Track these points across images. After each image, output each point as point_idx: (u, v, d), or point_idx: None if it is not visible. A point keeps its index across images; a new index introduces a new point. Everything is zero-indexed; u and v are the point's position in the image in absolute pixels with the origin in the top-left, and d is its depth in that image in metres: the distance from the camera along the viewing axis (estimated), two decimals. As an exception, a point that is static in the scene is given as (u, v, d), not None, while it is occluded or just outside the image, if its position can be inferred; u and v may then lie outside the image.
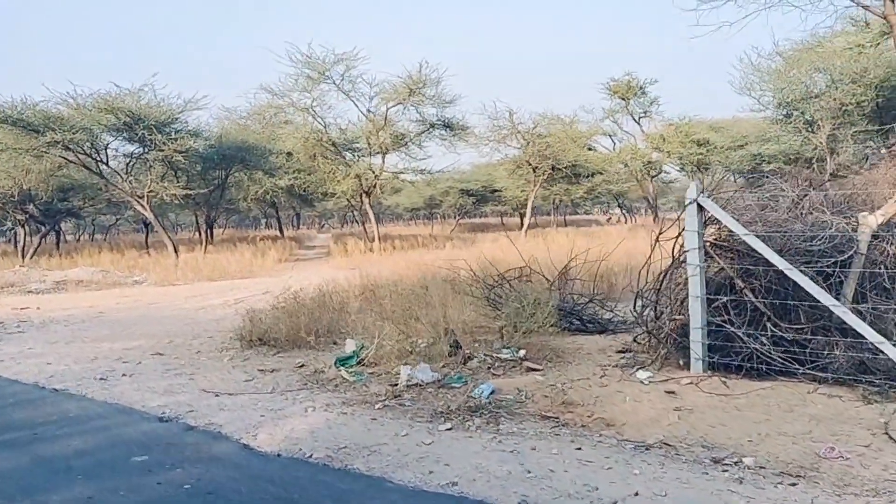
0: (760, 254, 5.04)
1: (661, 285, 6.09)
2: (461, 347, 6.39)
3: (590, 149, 28.44)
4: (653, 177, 31.05)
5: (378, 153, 27.86)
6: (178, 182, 24.78)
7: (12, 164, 23.08)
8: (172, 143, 22.87)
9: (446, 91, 25.17)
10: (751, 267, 5.24)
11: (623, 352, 6.35)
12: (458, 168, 32.18)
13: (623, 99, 29.98)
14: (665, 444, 4.08)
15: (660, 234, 5.91)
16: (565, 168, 25.50)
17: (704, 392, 4.88)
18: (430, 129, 26.84)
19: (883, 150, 27.79)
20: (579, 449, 4.06)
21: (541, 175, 25.69)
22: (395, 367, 6.27)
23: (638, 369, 5.62)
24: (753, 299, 5.20)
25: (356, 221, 75.85)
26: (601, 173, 28.29)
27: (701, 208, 5.34)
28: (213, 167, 28.06)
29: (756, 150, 32.78)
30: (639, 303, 6.36)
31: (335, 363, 6.47)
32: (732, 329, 5.19)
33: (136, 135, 22.82)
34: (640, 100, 30.10)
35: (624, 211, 58.31)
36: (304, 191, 34.98)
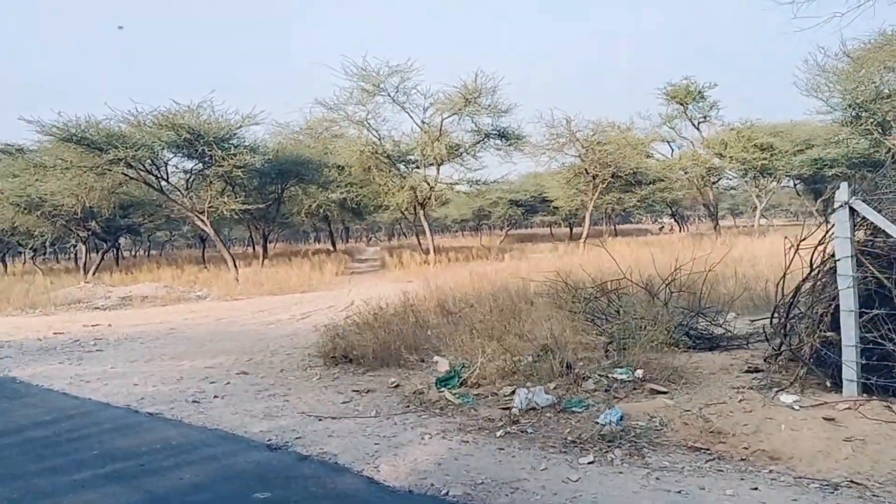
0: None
1: (795, 298, 5.58)
2: (572, 367, 5.96)
3: (648, 156, 27.74)
4: (713, 183, 30.14)
5: (432, 164, 27.62)
6: (236, 197, 24.89)
7: (76, 181, 23.48)
8: (231, 158, 22.99)
9: (502, 100, 24.81)
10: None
11: (752, 371, 5.82)
12: (506, 178, 31.60)
13: (681, 104, 29.16)
14: (853, 482, 3.58)
15: (801, 241, 5.39)
16: (626, 175, 24.86)
17: (870, 419, 4.36)
18: (485, 140, 26.48)
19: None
20: (755, 489, 3.59)
21: (600, 183, 25.08)
22: (500, 387, 5.89)
23: (778, 392, 5.10)
24: (916, 314, 4.65)
25: (404, 234, 76.24)
26: (662, 180, 27.52)
27: (853, 212, 4.82)
28: (270, 182, 28.20)
29: (817, 155, 31.58)
30: (775, 317, 5.83)
31: (436, 384, 6.10)
32: (893, 346, 4.65)
33: (196, 151, 22.99)
34: (698, 104, 29.25)
35: (676, 219, 56.90)
36: (357, 204, 34.95)
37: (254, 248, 39.82)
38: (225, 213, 24.12)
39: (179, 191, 24.81)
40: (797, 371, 5.32)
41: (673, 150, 29.72)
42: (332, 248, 40.17)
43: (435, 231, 75.97)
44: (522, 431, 4.81)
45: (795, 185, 40.27)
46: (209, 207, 23.92)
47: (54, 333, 12.21)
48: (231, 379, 7.39)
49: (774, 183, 35.39)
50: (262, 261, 28.93)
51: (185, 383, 7.20)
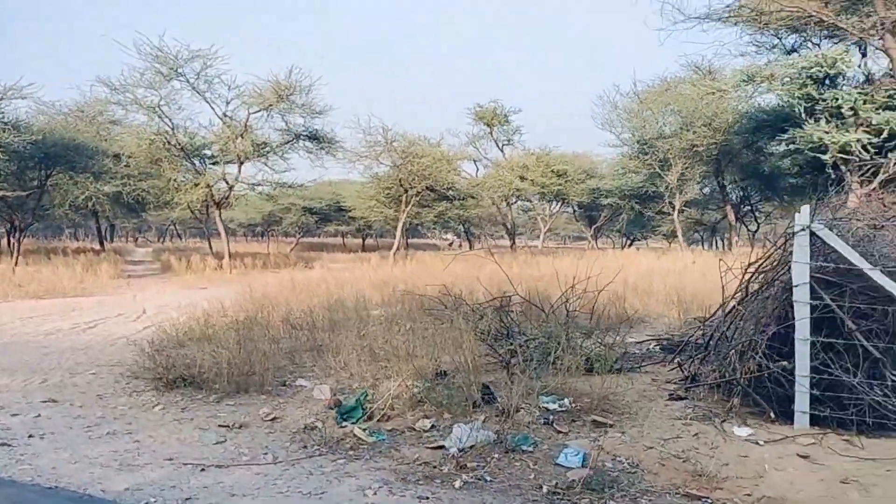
0: (878, 291, 4.45)
1: (721, 321, 5.39)
2: (493, 395, 5.23)
3: (457, 173, 28.10)
4: (511, 205, 31.41)
5: (232, 162, 25.48)
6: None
7: None
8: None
9: (317, 100, 23.58)
10: (866, 305, 4.64)
11: (675, 399, 5.53)
12: (315, 182, 30.16)
13: (488, 125, 30.08)
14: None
15: (752, 265, 5.19)
16: (439, 190, 24.85)
17: (843, 455, 4.17)
18: (295, 140, 24.98)
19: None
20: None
21: (413, 196, 24.79)
22: (414, 420, 4.99)
23: (722, 422, 4.82)
24: (865, 343, 4.59)
25: (178, 235, 70.55)
26: (473, 197, 28.02)
27: (813, 236, 4.67)
28: (32, 167, 24.15)
29: (595, 185, 34.29)
30: (696, 343, 5.58)
31: (338, 417, 5.02)
32: (846, 377, 4.54)
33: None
34: (504, 127, 30.39)
35: (467, 236, 58.97)
36: (135, 199, 31.26)
37: (9, 244, 33.82)
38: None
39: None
40: (731, 400, 5.09)
41: (478, 170, 30.56)
42: (100, 247, 35.60)
43: (215, 234, 71.59)
44: (480, 479, 3.98)
45: (574, 211, 43.58)
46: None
47: None
48: (38, 409, 5.64)
49: (557, 207, 37.97)
50: (16, 258, 24.58)
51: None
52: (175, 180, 26.24)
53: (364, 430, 4.80)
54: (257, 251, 39.21)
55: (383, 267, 21.87)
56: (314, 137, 24.66)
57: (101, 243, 36.99)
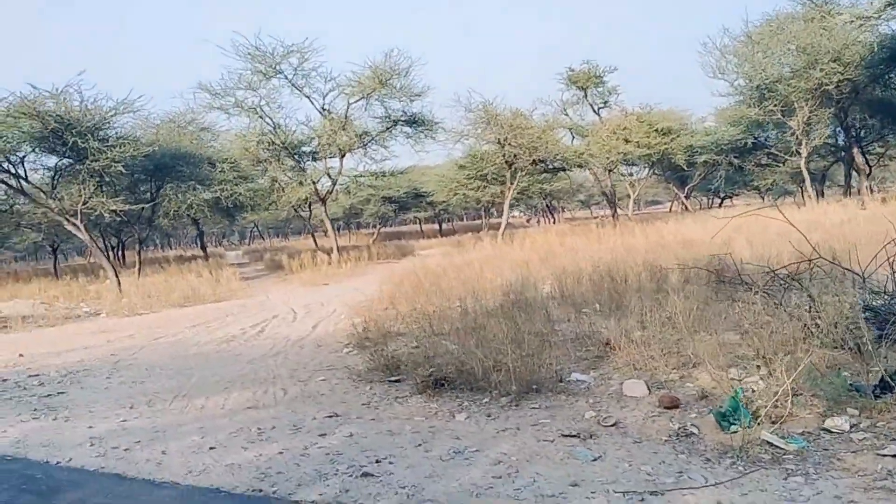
0: None
1: None
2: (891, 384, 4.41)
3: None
4: (611, 171, 30.26)
5: (334, 156, 25.28)
6: (111, 196, 21.13)
7: None
8: (111, 150, 19.43)
9: (415, 82, 23.04)
10: None
11: None
12: (415, 167, 29.72)
13: (582, 89, 28.98)
14: None
15: None
16: (550, 161, 24.03)
17: None
18: (394, 126, 24.54)
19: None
20: None
21: (517, 171, 24.05)
22: (815, 420, 4.26)
23: None
24: None
25: (261, 236, 71.73)
26: (581, 166, 27.09)
27: None
28: (145, 179, 24.48)
29: (688, 142, 32.62)
30: None
31: (721, 422, 4.32)
32: None
33: (65, 143, 19.16)
34: (598, 89, 29.21)
35: (549, 210, 57.96)
36: (233, 203, 31.52)
37: (109, 258, 34.79)
38: (105, 214, 20.37)
39: (42, 191, 20.66)
40: None
41: (573, 137, 29.45)
42: (203, 254, 36.22)
43: (303, 231, 72.38)
44: None
45: (663, 172, 41.83)
46: (83, 208, 20.07)
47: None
48: (332, 427, 5.19)
49: (649, 170, 36.47)
50: (139, 270, 25.06)
51: (290, 442, 4.89)
52: (279, 180, 26.31)
53: (777, 435, 4.10)
54: (345, 245, 39.26)
55: (504, 247, 21.19)
56: (413, 121, 24.15)
57: (204, 249, 37.66)
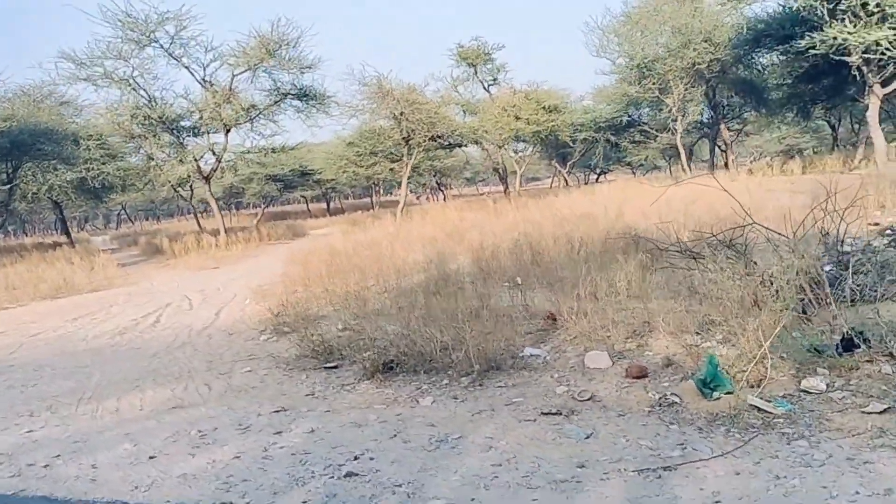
0: None
1: None
2: (855, 342, 4.51)
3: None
4: (501, 147, 30.51)
5: (217, 131, 23.85)
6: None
7: None
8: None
9: (305, 54, 22.06)
10: None
11: None
12: (307, 142, 28.56)
13: (472, 66, 28.93)
14: None
15: None
16: (445, 138, 23.76)
17: None
18: (283, 100, 23.43)
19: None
20: None
21: (415, 147, 23.68)
22: (790, 381, 4.28)
23: None
24: None
25: (130, 220, 67.17)
26: (477, 143, 27.03)
27: None
28: (0, 159, 22.13)
29: (570, 120, 33.55)
30: None
31: (703, 389, 4.24)
32: None
33: None
34: (487, 66, 29.27)
35: (430, 188, 58.02)
36: (100, 184, 29.16)
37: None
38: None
39: None
40: None
41: (464, 114, 29.41)
42: (68, 240, 33.28)
43: (183, 213, 68.41)
44: None
45: (547, 150, 42.87)
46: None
47: None
48: (284, 423, 4.73)
49: (531, 148, 37.23)
50: (-6, 259, 22.66)
51: (242, 443, 4.36)
52: (155, 157, 24.53)
53: (762, 399, 4.05)
54: (229, 226, 37.63)
55: (405, 224, 20.85)
56: (304, 95, 23.16)
57: (68, 235, 34.61)
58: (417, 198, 59.29)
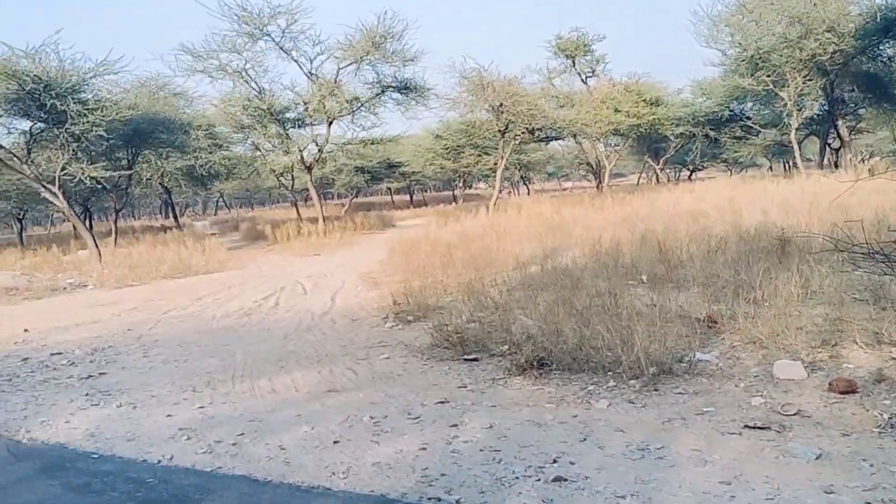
0: None
1: None
2: None
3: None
4: (597, 141, 29.88)
5: (321, 122, 24.33)
6: (89, 163, 19.88)
7: None
8: (91, 114, 18.25)
9: (408, 47, 22.14)
10: None
11: None
12: (409, 133, 28.88)
13: (570, 57, 28.42)
14: None
15: None
16: (544, 130, 23.45)
17: None
18: (383, 93, 23.65)
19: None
20: None
21: (511, 139, 23.46)
22: None
23: None
24: None
25: (227, 206, 69.66)
26: (575, 136, 26.60)
27: None
28: (122, 146, 23.20)
29: (664, 114, 32.38)
30: None
31: None
32: None
33: (43, 105, 17.89)
34: (586, 58, 28.67)
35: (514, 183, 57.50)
36: (207, 172, 30.29)
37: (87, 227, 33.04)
38: (85, 181, 19.19)
39: (16, 156, 19.34)
40: None
41: (562, 106, 28.89)
42: (175, 224, 34.81)
43: (274, 200, 70.57)
44: None
45: (639, 145, 41.67)
46: (62, 175, 18.85)
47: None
48: (457, 413, 4.66)
49: (625, 142, 36.25)
50: (115, 240, 23.89)
51: (421, 434, 4.29)
52: (262, 147, 25.29)
53: None
54: (314, 215, 38.36)
55: (498, 218, 20.65)
56: (405, 87, 23.30)
57: (176, 219, 36.24)
58: (500, 192, 58.90)
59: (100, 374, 6.64)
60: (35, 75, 17.39)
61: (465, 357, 6.33)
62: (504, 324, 6.69)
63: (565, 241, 13.25)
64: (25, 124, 20.22)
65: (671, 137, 31.88)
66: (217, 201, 64.80)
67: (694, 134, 35.00)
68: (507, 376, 5.58)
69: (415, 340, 7.21)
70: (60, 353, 7.70)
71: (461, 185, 47.66)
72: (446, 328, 6.87)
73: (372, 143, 26.29)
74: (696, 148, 40.18)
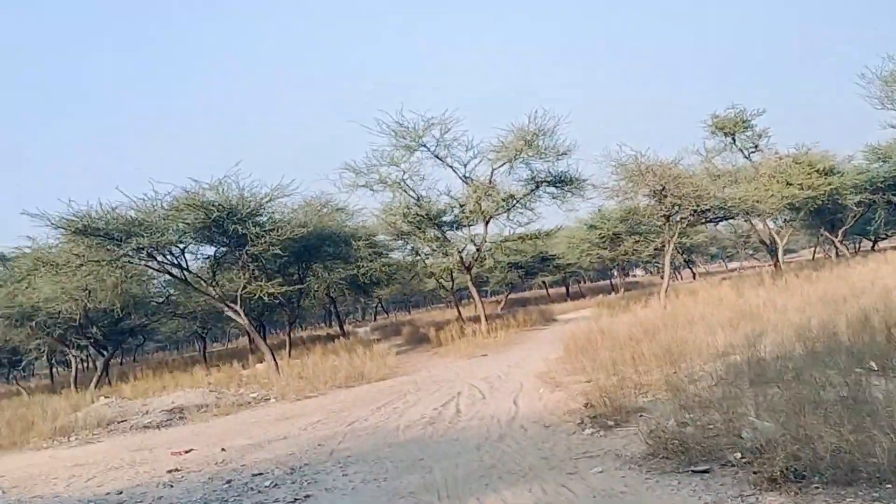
0: None
1: None
2: None
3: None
4: (769, 218, 28.01)
5: (476, 223, 24.72)
6: (267, 280, 21.21)
7: (75, 283, 19.68)
8: (268, 235, 19.59)
9: (560, 141, 22.19)
10: None
11: None
12: (565, 226, 28.65)
13: (729, 135, 27.27)
14: None
15: None
16: (712, 210, 22.33)
17: None
18: (538, 188, 23.70)
19: None
20: None
21: (677, 223, 22.46)
22: None
23: None
24: None
25: (385, 311, 71.79)
26: (748, 214, 25.16)
27: None
28: (293, 262, 24.66)
29: (838, 182, 29.78)
30: None
31: None
32: None
33: (226, 231, 19.45)
34: (747, 134, 27.38)
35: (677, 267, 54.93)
36: (369, 280, 31.42)
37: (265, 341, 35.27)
38: (265, 297, 20.45)
39: (202, 279, 21.04)
40: None
41: (725, 186, 27.49)
42: (340, 332, 36.17)
43: (429, 302, 72.29)
44: None
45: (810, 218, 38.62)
46: (243, 293, 20.17)
47: (168, 472, 8.47)
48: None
49: (797, 216, 33.65)
50: (289, 352, 25.02)
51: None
52: (421, 252, 25.94)
53: None
54: (473, 314, 38.40)
55: (675, 306, 19.43)
56: (560, 181, 23.25)
57: (341, 328, 37.72)
58: (662, 277, 56.53)
59: (305, 496, 6.53)
60: (219, 204, 19.01)
61: (694, 469, 5.59)
62: (730, 427, 5.90)
63: (759, 326, 12.12)
64: (210, 250, 22.12)
65: (852, 207, 29.27)
66: (376, 306, 66.95)
67: (874, 201, 32.11)
68: (757, 491, 4.80)
69: (623, 449, 6.56)
70: (261, 474, 7.72)
71: (618, 273, 46.35)
72: (663, 434, 6.18)
73: (529, 239, 26.22)
74: (879, 216, 36.72)
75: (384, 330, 38.96)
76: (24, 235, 21.08)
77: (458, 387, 13.53)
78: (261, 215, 20.97)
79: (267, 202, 20.81)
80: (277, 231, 19.82)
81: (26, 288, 20.33)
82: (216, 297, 20.33)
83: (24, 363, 33.13)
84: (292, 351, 25.19)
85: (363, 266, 28.91)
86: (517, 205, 23.91)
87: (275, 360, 20.83)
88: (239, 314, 20.21)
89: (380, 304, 68.60)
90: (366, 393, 14.92)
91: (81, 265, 17.99)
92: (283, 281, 23.70)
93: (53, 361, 34.27)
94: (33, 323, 21.59)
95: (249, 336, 30.79)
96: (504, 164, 22.67)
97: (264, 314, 29.43)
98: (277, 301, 24.04)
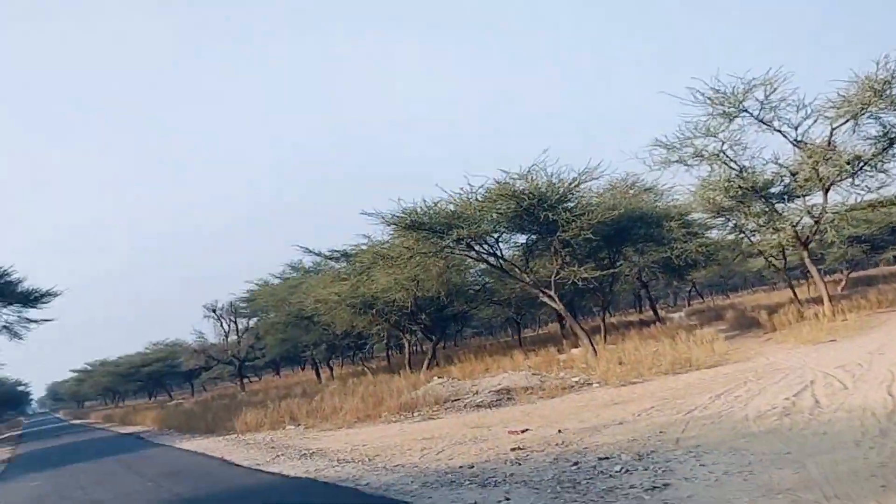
0: None
1: None
2: None
3: None
4: None
5: (810, 192, 21.70)
6: (579, 265, 20.99)
7: (406, 274, 21.56)
8: (578, 219, 19.31)
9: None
10: None
11: None
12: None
13: None
14: None
15: None
16: None
17: None
18: (891, 145, 19.94)
19: None
20: None
21: None
22: None
23: None
24: None
25: (699, 295, 67.32)
26: None
27: None
28: (603, 245, 24.10)
29: None
30: None
31: None
32: None
33: (537, 218, 19.61)
34: None
35: None
36: (684, 261, 29.38)
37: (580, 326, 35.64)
38: (578, 282, 20.27)
39: (517, 266, 21.59)
40: None
41: None
42: (655, 317, 34.66)
43: (750, 284, 66.70)
44: None
45: None
46: (557, 279, 20.20)
47: (512, 450, 8.58)
48: None
49: None
50: (604, 337, 24.56)
51: None
52: (745, 228, 23.65)
53: None
54: (809, 296, 33.69)
55: None
56: (922, 133, 19.29)
57: (656, 313, 36.22)
58: None
59: (664, 485, 5.97)
60: (529, 192, 19.22)
61: None
62: None
63: None
64: (522, 238, 22.57)
65: None
66: (690, 290, 63.14)
67: None
68: None
69: None
70: (608, 458, 7.33)
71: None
72: None
73: (883, 206, 22.26)
74: None
75: (702, 315, 36.54)
76: (361, 234, 23.84)
77: (808, 375, 11.81)
78: (569, 201, 20.77)
79: (574, 187, 20.56)
80: (587, 216, 19.44)
81: (366, 280, 22.89)
82: (530, 283, 20.67)
83: (367, 347, 37.58)
84: (607, 336, 24.76)
85: (677, 247, 27.21)
86: (864, 167, 20.40)
87: (592, 344, 20.52)
88: (554, 299, 20.29)
89: (693, 288, 64.60)
90: (696, 380, 13.82)
91: (411, 257, 19.62)
92: (595, 265, 23.32)
93: (391, 345, 38.33)
94: (373, 311, 24.17)
95: (561, 321, 31.19)
96: (847, 121, 19.47)
97: (574, 299, 29.42)
98: (590, 286, 23.71)
